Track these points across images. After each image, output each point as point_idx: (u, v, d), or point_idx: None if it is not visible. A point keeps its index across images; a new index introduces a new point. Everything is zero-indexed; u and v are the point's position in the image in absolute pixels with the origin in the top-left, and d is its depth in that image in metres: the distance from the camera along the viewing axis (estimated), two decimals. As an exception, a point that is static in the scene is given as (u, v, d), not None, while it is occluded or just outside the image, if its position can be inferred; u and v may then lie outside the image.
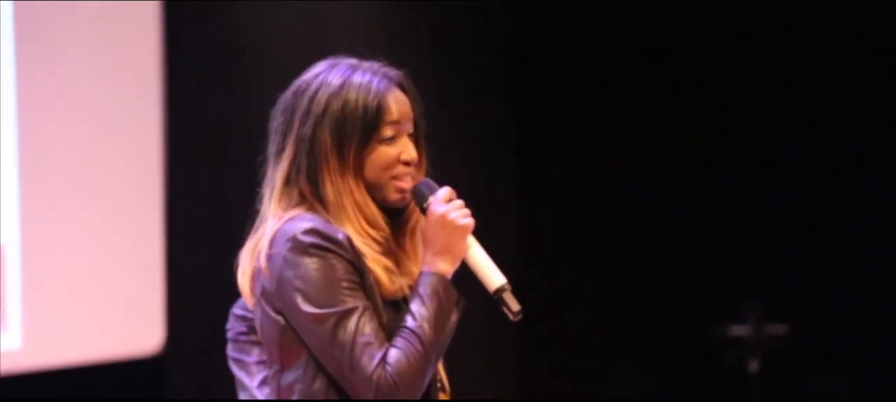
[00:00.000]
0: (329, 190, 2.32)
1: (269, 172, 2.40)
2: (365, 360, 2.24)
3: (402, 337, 2.27)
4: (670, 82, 6.44)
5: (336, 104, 2.33)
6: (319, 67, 2.39)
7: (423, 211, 2.37)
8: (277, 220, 2.33)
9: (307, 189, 2.33)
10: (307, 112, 2.34)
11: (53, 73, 4.92)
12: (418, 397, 2.29)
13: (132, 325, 5.14)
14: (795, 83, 6.41)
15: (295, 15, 5.32)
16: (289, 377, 2.30)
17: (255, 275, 2.34)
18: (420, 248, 2.39)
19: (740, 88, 6.45)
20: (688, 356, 6.41)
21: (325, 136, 2.32)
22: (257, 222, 2.38)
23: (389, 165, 2.35)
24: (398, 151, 2.36)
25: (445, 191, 2.37)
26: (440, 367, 2.41)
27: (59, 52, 4.92)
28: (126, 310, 5.11)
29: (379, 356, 2.25)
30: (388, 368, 2.25)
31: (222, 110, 5.23)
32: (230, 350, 2.45)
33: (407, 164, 2.36)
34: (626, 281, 6.44)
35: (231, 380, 5.18)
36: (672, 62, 6.44)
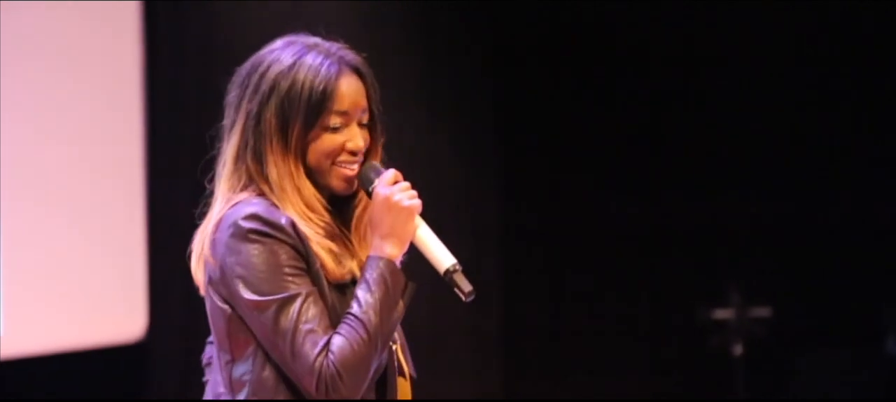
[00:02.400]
0: (272, 171, 2.25)
1: (223, 146, 2.34)
2: (307, 347, 2.16)
3: (347, 324, 2.19)
4: (653, 74, 6.45)
5: (284, 84, 2.26)
6: (277, 43, 2.33)
7: (369, 194, 2.29)
8: (224, 204, 2.27)
9: (254, 168, 2.27)
10: (256, 89, 2.28)
11: (36, 69, 4.92)
12: (363, 385, 2.20)
13: (115, 312, 5.13)
14: (775, 75, 6.43)
15: (274, 14, 5.33)
16: (239, 368, 2.25)
17: (204, 263, 2.28)
18: (369, 234, 2.30)
19: (721, 80, 6.47)
20: (673, 340, 6.43)
21: (271, 115, 2.26)
22: (211, 201, 2.33)
23: (333, 153, 2.27)
24: (344, 139, 2.27)
25: (390, 174, 2.28)
26: (400, 353, 2.33)
27: (41, 51, 4.92)
28: (109, 297, 5.10)
29: (322, 343, 2.17)
30: (331, 356, 2.17)
31: (203, 102, 5.23)
32: (207, 375, 2.39)
33: (352, 153, 2.27)
34: (612, 268, 6.46)
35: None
36: (657, 56, 6.45)
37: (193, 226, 5.69)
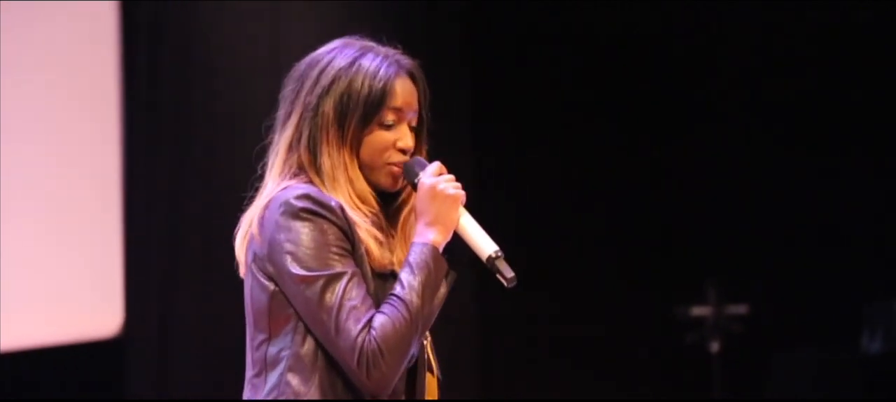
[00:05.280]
0: (325, 161, 2.33)
1: (275, 136, 2.39)
2: (350, 324, 2.21)
3: (390, 304, 2.25)
4: (632, 70, 6.46)
5: (344, 79, 2.34)
6: (335, 43, 2.41)
7: (414, 186, 2.36)
8: (274, 187, 2.33)
9: (306, 157, 2.34)
10: (315, 83, 2.35)
11: (13, 68, 4.92)
12: (402, 366, 2.26)
13: (91, 308, 5.13)
14: (754, 75, 6.45)
15: (250, 14, 5.34)
16: (277, 344, 2.27)
17: (248, 242, 2.32)
18: (414, 223, 2.37)
19: (699, 78, 6.48)
20: (650, 337, 6.44)
21: (329, 108, 2.33)
22: (261, 187, 2.38)
23: (385, 149, 2.36)
24: (396, 137, 2.36)
25: (435, 165, 2.37)
26: (430, 349, 2.38)
27: (18, 50, 4.92)
28: (85, 293, 5.10)
29: (364, 320, 2.22)
30: (373, 332, 2.22)
31: (179, 102, 5.26)
32: None
33: (403, 151, 2.36)
34: (589, 264, 6.46)
35: (188, 360, 5.21)
36: (633, 51, 6.46)
37: (169, 222, 5.64)
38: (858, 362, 6.33)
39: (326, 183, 2.32)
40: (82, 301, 5.10)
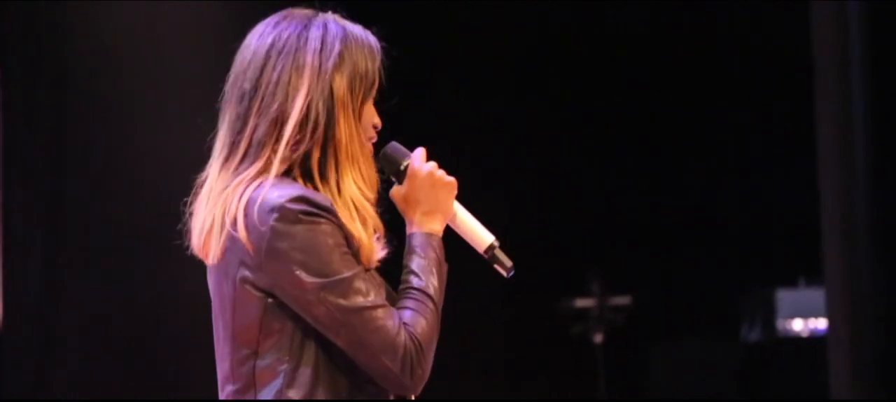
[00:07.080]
0: (343, 135, 2.12)
1: (252, 114, 2.12)
2: (389, 324, 2.06)
3: (413, 298, 2.11)
4: (514, 67, 6.50)
5: (347, 53, 2.16)
6: (299, 14, 2.21)
7: (399, 175, 2.20)
8: (244, 184, 2.10)
9: (321, 136, 2.11)
10: (318, 55, 2.13)
11: None
12: (432, 358, 2.11)
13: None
14: (634, 77, 6.54)
15: (127, 15, 5.30)
16: (267, 358, 2.08)
17: (225, 243, 2.09)
18: (408, 211, 2.22)
19: (584, 76, 6.56)
20: (536, 328, 6.49)
21: (342, 84, 2.13)
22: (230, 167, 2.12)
23: (368, 127, 2.18)
24: (371, 113, 2.20)
25: (421, 151, 2.22)
26: None
27: None
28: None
29: (396, 318, 2.07)
30: (409, 329, 2.07)
31: (56, 104, 5.20)
32: None
33: (376, 128, 2.20)
34: (473, 257, 6.50)
35: (67, 359, 5.16)
36: (520, 50, 6.50)
37: (49, 219, 5.52)
38: (737, 351, 6.46)
39: (342, 155, 2.11)
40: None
